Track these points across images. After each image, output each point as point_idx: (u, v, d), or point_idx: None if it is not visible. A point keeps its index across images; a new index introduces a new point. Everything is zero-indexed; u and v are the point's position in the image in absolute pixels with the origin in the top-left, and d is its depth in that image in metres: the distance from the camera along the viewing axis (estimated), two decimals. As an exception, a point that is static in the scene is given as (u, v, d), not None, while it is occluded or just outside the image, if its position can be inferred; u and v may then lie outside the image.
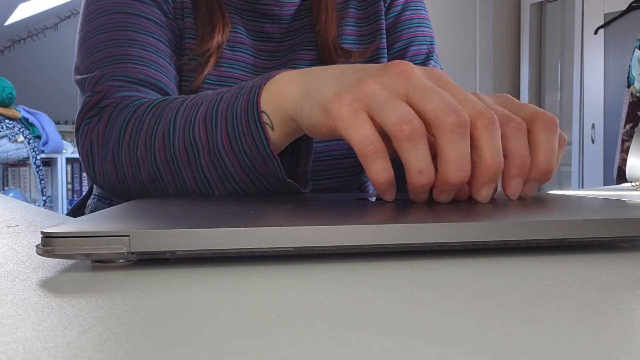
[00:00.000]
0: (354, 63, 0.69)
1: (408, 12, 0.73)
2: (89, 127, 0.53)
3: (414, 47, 0.72)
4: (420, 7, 0.75)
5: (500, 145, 0.35)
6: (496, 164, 0.34)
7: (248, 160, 0.43)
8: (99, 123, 0.52)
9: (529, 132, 0.39)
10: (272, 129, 0.41)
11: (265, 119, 0.41)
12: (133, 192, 0.51)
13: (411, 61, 0.70)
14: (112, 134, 0.50)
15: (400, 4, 0.73)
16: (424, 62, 0.72)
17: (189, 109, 0.46)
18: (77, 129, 0.54)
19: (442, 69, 0.75)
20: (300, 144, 0.47)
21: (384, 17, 0.72)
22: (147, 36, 0.59)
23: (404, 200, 0.40)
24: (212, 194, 0.47)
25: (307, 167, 0.47)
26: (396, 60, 0.36)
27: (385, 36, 0.72)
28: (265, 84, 0.42)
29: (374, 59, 0.71)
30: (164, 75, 0.58)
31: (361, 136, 0.34)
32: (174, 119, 0.46)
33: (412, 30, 0.73)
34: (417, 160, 0.33)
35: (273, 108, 0.41)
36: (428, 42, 0.73)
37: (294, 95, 0.39)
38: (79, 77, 0.59)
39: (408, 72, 0.35)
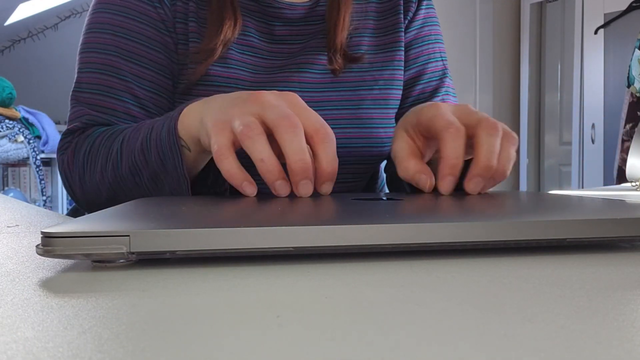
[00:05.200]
0: (363, 69, 0.70)
1: (427, 28, 0.76)
2: (62, 157, 0.62)
3: (432, 64, 0.75)
4: (436, 23, 0.78)
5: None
6: (301, 163, 0.41)
7: (171, 180, 0.50)
8: (67, 154, 0.61)
9: (473, 136, 0.46)
10: (189, 150, 0.49)
11: (182, 142, 0.49)
12: (98, 207, 0.58)
13: (430, 78, 0.75)
14: (77, 163, 0.60)
15: (421, 18, 0.75)
16: (440, 78, 0.75)
17: (130, 139, 0.54)
18: (58, 157, 0.64)
19: (451, 80, 0.78)
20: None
21: (403, 29, 0.73)
22: (132, 65, 0.63)
23: (404, 201, 0.40)
24: None
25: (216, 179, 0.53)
26: (258, 92, 0.44)
27: (403, 48, 0.73)
28: (180, 113, 0.50)
29: (391, 69, 0.71)
30: (139, 105, 0.64)
31: (215, 144, 0.42)
32: (120, 148, 0.55)
33: (430, 47, 0.75)
34: (256, 152, 0.41)
35: (186, 133, 0.49)
36: (443, 59, 0.77)
37: (196, 123, 0.47)
38: (72, 96, 0.65)
39: (261, 98, 0.43)
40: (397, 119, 0.74)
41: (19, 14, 3.97)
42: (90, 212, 0.62)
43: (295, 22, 0.69)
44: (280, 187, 0.41)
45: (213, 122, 0.44)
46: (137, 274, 0.24)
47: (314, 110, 0.67)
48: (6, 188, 3.39)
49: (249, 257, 0.27)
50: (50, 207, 3.42)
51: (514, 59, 3.52)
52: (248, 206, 0.36)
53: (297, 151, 0.40)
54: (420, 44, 0.74)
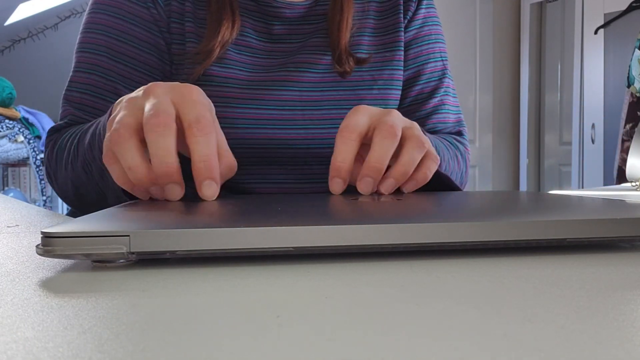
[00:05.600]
0: (363, 69, 0.70)
1: (427, 28, 0.75)
2: (45, 154, 0.64)
3: (431, 64, 0.75)
4: (436, 23, 0.77)
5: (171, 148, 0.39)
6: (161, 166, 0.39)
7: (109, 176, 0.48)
8: (48, 152, 0.63)
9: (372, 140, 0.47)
10: None
11: None
12: (74, 204, 0.62)
13: (429, 79, 0.75)
14: (52, 159, 0.62)
15: (421, 18, 0.75)
16: (440, 78, 0.75)
17: (85, 135, 0.54)
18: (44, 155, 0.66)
19: (452, 80, 0.78)
20: None
21: (403, 29, 0.73)
22: (119, 65, 0.64)
23: (404, 201, 0.40)
24: (111, 204, 0.51)
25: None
26: (156, 83, 0.43)
27: (403, 48, 0.72)
28: (114, 105, 0.48)
29: (390, 69, 0.71)
30: None
31: (105, 146, 0.41)
32: (77, 144, 0.55)
33: (430, 46, 0.75)
34: (124, 161, 0.39)
35: None
36: (443, 59, 0.77)
37: None
38: (64, 95, 0.67)
39: (152, 91, 0.41)
40: None
41: (19, 14, 3.97)
42: (70, 206, 0.64)
43: (294, 21, 0.69)
44: (154, 192, 0.40)
45: (112, 118, 0.42)
46: (137, 274, 0.24)
47: (311, 109, 0.67)
48: (6, 188, 3.39)
49: (249, 257, 0.27)
50: (50, 207, 3.42)
51: (514, 59, 3.52)
52: (248, 206, 0.36)
53: (158, 153, 0.38)
54: (419, 44, 0.74)
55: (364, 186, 0.46)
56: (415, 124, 0.51)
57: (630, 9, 2.94)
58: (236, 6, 0.65)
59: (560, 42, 3.44)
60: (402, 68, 0.72)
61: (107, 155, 0.41)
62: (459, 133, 0.78)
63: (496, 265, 0.25)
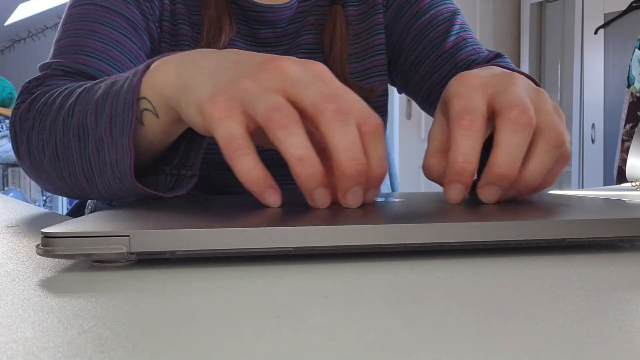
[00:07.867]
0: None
1: None
2: (17, 111, 0.51)
3: (430, 13, 0.69)
4: None
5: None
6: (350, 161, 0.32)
7: (115, 151, 0.39)
8: (23, 107, 0.50)
9: (495, 127, 0.36)
10: (157, 116, 0.38)
11: (146, 104, 0.38)
12: (42, 178, 0.49)
13: (435, 25, 0.68)
14: (29, 118, 0.49)
15: None
16: (449, 19, 0.69)
17: (88, 92, 0.43)
18: (13, 110, 0.53)
19: (468, 30, 0.71)
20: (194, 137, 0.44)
21: (382, 11, 0.71)
22: (112, 30, 0.59)
23: (404, 201, 0.40)
24: (93, 189, 0.44)
25: (197, 160, 0.44)
26: (273, 56, 0.34)
27: (383, 31, 0.71)
28: (148, 67, 0.39)
29: (371, 55, 0.70)
30: (116, 69, 0.58)
31: (225, 132, 0.31)
32: (75, 102, 0.44)
33: (420, 1, 0.70)
34: (294, 148, 0.30)
35: (156, 95, 0.38)
36: (447, 3, 0.71)
37: (172, 85, 0.37)
38: (40, 66, 0.59)
39: (284, 68, 0.33)
40: (425, 92, 0.71)
41: (19, 14, 3.97)
42: (35, 181, 0.53)
43: (280, 24, 0.68)
44: (320, 197, 0.32)
45: (212, 94, 0.33)
46: (137, 274, 0.24)
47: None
48: (6, 188, 3.39)
49: (249, 257, 0.27)
50: (50, 207, 3.42)
51: (514, 59, 3.52)
52: (248, 206, 0.36)
53: (350, 148, 0.31)
54: (407, 7, 0.70)
55: (487, 195, 0.35)
56: (544, 93, 0.38)
57: (630, 9, 2.94)
58: (232, 13, 0.65)
59: (560, 42, 3.44)
60: (384, 51, 0.70)
61: (236, 144, 0.31)
62: (499, 55, 0.67)
63: (496, 265, 0.25)
